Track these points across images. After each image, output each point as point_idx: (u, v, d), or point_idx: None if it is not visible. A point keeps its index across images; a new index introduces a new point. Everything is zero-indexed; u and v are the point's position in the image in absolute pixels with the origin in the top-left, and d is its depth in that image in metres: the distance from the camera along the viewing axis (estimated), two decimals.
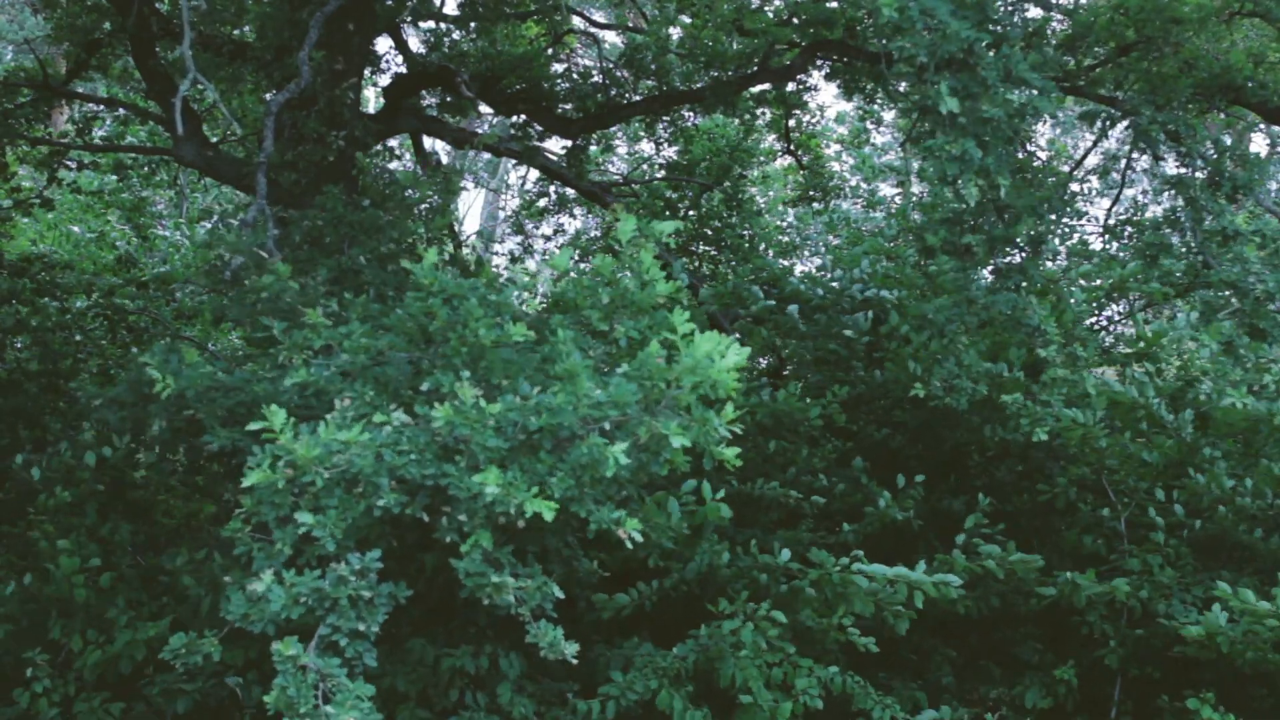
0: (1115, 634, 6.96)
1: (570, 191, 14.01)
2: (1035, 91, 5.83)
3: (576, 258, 14.33)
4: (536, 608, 4.58)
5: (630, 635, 6.48)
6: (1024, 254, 7.50)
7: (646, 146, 14.82)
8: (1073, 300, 8.85)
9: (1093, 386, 7.41)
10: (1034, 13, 8.33)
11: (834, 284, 9.34)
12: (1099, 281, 10.71)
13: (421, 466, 4.45)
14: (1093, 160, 14.32)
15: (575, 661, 4.65)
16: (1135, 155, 9.01)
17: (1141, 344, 8.76)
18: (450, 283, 5.08)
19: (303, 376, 4.92)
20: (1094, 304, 10.77)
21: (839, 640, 6.25)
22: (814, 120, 14.72)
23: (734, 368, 4.37)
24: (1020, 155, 9.18)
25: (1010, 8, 7.23)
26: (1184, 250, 7.83)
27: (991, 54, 5.61)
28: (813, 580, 6.30)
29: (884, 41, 6.32)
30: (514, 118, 11.78)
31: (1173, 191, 7.87)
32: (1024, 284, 7.21)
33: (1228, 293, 7.42)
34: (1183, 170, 7.76)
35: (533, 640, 4.61)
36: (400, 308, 5.17)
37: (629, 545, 4.57)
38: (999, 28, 5.74)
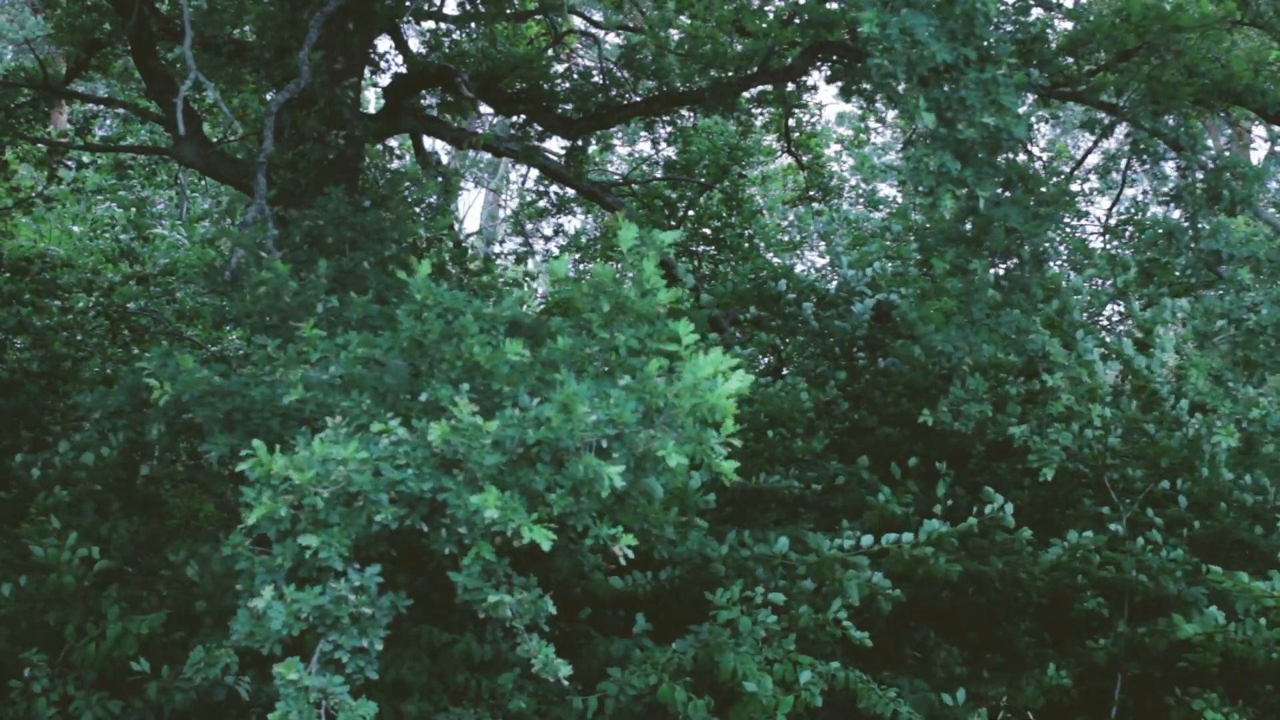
0: (1112, 633, 6.96)
1: (570, 191, 14.02)
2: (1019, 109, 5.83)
3: (576, 258, 14.34)
4: (530, 622, 4.58)
5: (629, 620, 6.47)
6: (1026, 268, 7.48)
7: (646, 146, 14.82)
8: (1076, 295, 8.82)
9: (1096, 416, 7.37)
10: (1036, 12, 8.33)
11: (849, 282, 9.37)
12: (1100, 284, 10.72)
13: (420, 480, 4.45)
14: (1093, 160, 14.34)
15: (567, 682, 4.65)
16: (1135, 159, 9.01)
17: (1140, 334, 8.77)
18: (446, 295, 5.04)
19: (300, 394, 4.92)
20: (1092, 308, 10.78)
21: (835, 635, 6.25)
22: (813, 120, 14.73)
23: (735, 393, 4.33)
24: (1021, 159, 9.17)
25: (1001, 21, 7.22)
26: (1180, 267, 7.83)
27: (975, 72, 5.59)
28: (810, 565, 6.31)
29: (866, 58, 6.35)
30: (514, 118, 11.79)
31: (1171, 205, 7.89)
32: (1025, 301, 7.17)
33: (1221, 323, 7.42)
34: (1182, 180, 7.77)
35: (524, 655, 4.60)
36: (391, 330, 5.14)
37: (623, 561, 4.58)
38: (987, 42, 5.72)
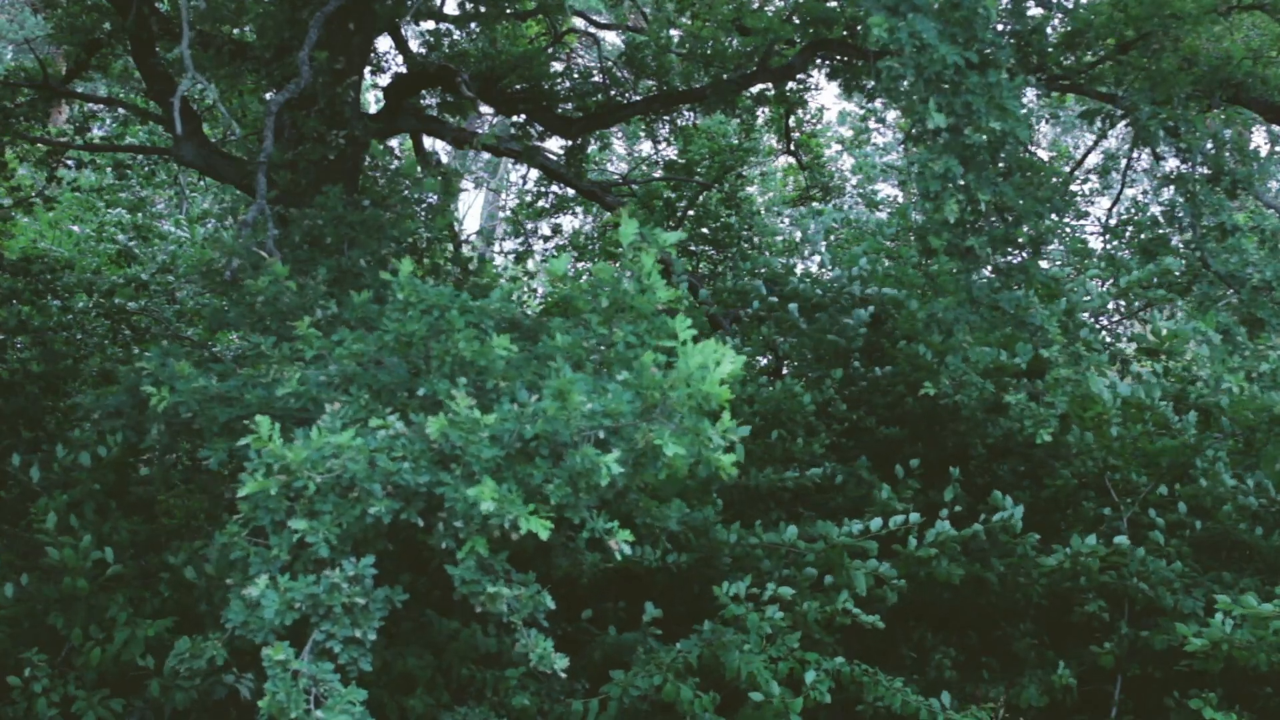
0: (1115, 636, 6.95)
1: (570, 191, 14.01)
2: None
3: (575, 257, 14.33)
4: (528, 616, 4.57)
5: (631, 612, 6.44)
6: (1025, 254, 7.51)
7: (646, 146, 14.82)
8: (1086, 298, 8.84)
9: (1095, 384, 7.44)
10: (1035, 12, 8.32)
11: (834, 283, 9.34)
12: (1099, 283, 10.70)
13: (416, 474, 4.44)
14: (1093, 159, 14.33)
15: (565, 675, 4.66)
16: (1135, 154, 9.01)
17: (1153, 340, 8.78)
18: (430, 292, 5.04)
19: (294, 387, 4.91)
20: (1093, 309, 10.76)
21: (843, 624, 6.24)
22: (813, 120, 14.72)
23: (728, 379, 4.34)
24: (1022, 154, 9.17)
25: (1001, 17, 7.22)
26: (1183, 247, 7.85)
27: (977, 77, 5.61)
28: (818, 553, 6.29)
29: (873, 61, 6.37)
30: (514, 117, 11.78)
31: (1172, 188, 7.89)
32: (1025, 283, 7.23)
33: (1226, 288, 7.46)
34: (1182, 166, 7.79)
35: (523, 651, 4.60)
36: (379, 327, 5.15)
37: (619, 557, 4.59)
38: (988, 47, 5.73)
